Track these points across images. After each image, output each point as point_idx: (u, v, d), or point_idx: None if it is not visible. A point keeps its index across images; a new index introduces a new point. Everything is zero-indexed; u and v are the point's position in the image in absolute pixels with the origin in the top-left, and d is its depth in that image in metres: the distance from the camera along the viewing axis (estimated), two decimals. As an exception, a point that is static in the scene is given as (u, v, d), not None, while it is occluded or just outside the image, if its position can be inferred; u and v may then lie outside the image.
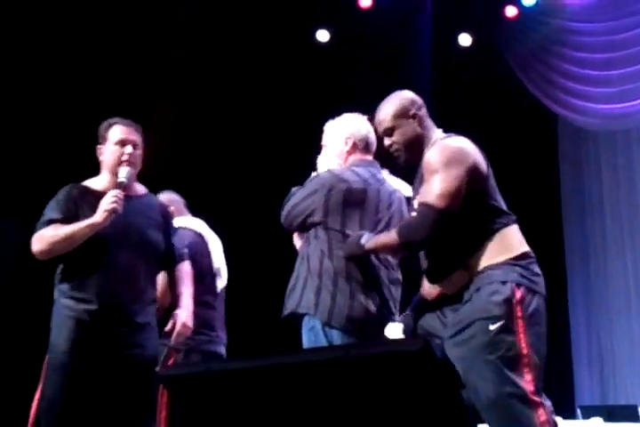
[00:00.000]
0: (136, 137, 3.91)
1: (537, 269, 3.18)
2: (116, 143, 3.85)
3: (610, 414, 5.80)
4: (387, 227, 3.61)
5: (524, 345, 2.97)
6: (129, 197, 3.77)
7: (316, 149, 4.02)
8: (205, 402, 2.05)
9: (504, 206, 3.26)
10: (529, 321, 3.02)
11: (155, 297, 3.89)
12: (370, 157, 3.87)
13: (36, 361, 3.80)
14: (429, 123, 3.37)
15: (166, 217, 4.05)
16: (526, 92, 8.41)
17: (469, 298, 3.09)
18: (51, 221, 3.74)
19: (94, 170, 4.01)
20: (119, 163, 3.82)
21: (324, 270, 3.56)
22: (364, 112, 3.92)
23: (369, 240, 3.35)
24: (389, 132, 3.34)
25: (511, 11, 8.40)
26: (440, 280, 3.23)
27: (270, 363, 1.80)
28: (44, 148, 7.39)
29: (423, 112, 3.37)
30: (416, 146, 3.30)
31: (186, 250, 4.14)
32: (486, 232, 3.14)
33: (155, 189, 4.51)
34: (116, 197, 3.66)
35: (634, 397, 7.91)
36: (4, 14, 7.14)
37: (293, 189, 3.79)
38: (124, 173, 3.80)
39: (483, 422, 3.01)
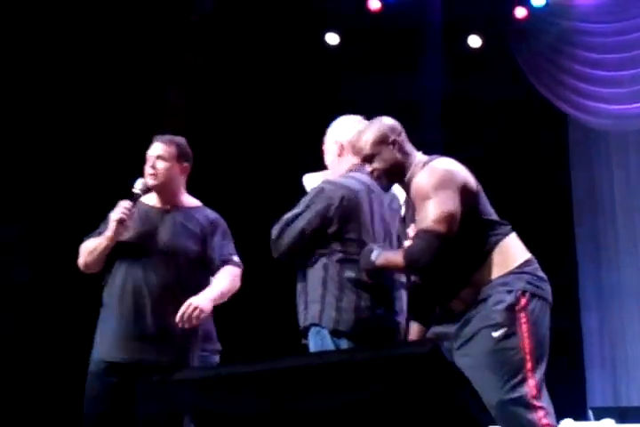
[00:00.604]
0: (160, 150, 4.01)
1: (542, 275, 3.26)
2: (146, 161, 4.03)
3: (622, 415, 5.78)
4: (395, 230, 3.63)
5: (527, 351, 3.05)
6: (168, 209, 3.98)
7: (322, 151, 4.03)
8: (216, 406, 2.06)
9: (497, 218, 3.33)
10: (533, 327, 3.10)
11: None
12: None
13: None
14: (409, 148, 3.42)
15: (207, 229, 4.04)
16: (537, 93, 8.39)
17: (476, 309, 3.16)
18: (89, 236, 3.96)
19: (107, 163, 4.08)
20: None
21: (328, 278, 3.55)
22: (372, 114, 3.92)
23: (379, 257, 3.36)
24: (369, 158, 3.37)
25: (521, 12, 8.36)
26: (449, 301, 3.26)
27: (279, 366, 1.81)
28: (57, 142, 7.41)
29: (402, 138, 3.42)
30: (396, 171, 3.35)
31: (236, 257, 4.08)
32: (486, 247, 3.21)
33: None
34: (123, 207, 3.80)
35: (646, 398, 7.89)
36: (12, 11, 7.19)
37: (287, 216, 3.68)
38: (138, 184, 3.95)
39: (495, 423, 3.06)
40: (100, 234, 3.90)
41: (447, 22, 8.35)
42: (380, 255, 3.35)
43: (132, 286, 3.82)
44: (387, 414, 1.86)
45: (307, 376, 1.84)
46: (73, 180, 7.42)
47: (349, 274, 3.54)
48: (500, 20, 8.48)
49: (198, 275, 3.98)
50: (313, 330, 3.52)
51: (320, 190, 3.68)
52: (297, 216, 3.64)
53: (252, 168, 8.17)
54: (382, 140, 3.36)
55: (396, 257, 3.28)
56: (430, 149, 3.53)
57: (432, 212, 3.13)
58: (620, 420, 5.60)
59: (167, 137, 4.09)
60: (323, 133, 4.05)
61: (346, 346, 3.38)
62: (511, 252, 3.23)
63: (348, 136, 3.77)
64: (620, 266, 8.58)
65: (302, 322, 3.59)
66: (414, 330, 3.49)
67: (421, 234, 3.15)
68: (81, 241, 4.03)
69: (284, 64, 8.24)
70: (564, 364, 8.12)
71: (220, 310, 6.17)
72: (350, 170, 3.79)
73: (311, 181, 3.86)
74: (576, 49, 8.26)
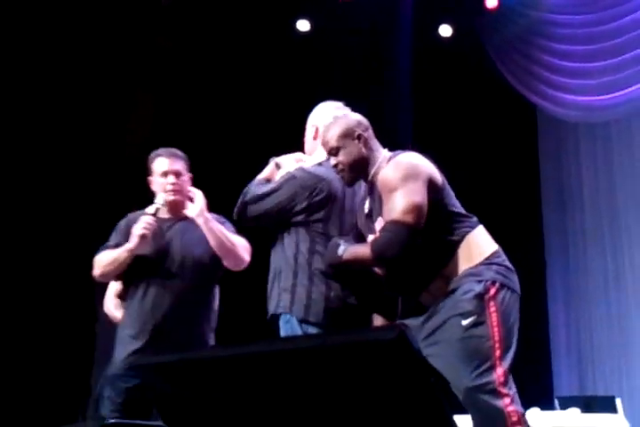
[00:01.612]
0: (179, 166, 4.17)
1: (510, 266, 3.27)
2: (161, 175, 4.14)
3: (588, 404, 5.83)
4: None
5: (497, 339, 3.07)
6: (175, 220, 4.15)
7: (297, 138, 4.00)
8: (181, 392, 2.04)
9: (463, 211, 3.33)
10: (502, 316, 3.11)
11: (207, 310, 4.12)
12: None
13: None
14: (375, 144, 3.43)
15: None
16: (506, 84, 8.42)
17: (444, 300, 3.17)
18: (105, 247, 4.12)
19: (68, 160, 4.06)
20: (165, 192, 4.11)
21: (299, 266, 3.53)
22: (343, 102, 3.90)
23: (346, 251, 3.34)
24: (334, 151, 3.38)
25: (491, 2, 8.39)
26: (419, 293, 3.27)
27: (246, 351, 1.79)
28: (29, 140, 7.35)
29: (369, 133, 3.42)
30: (360, 166, 3.36)
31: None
32: (454, 240, 3.22)
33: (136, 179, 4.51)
34: (146, 222, 3.94)
35: (612, 388, 7.95)
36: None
37: (254, 185, 3.69)
38: (160, 199, 4.07)
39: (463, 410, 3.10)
40: (116, 246, 4.07)
41: (418, 12, 8.36)
42: (347, 250, 3.34)
43: (151, 298, 4.02)
44: (352, 400, 1.84)
45: (277, 362, 1.82)
46: (42, 177, 7.39)
47: (318, 265, 3.52)
48: (470, 9, 8.50)
49: (211, 284, 4.19)
50: (283, 318, 3.52)
51: (292, 177, 3.65)
52: (269, 194, 3.62)
53: (223, 155, 8.13)
54: (348, 134, 3.36)
55: (363, 250, 3.26)
56: (401, 137, 3.53)
57: (399, 203, 3.14)
58: (586, 409, 5.65)
59: (173, 151, 4.25)
60: (293, 119, 4.02)
61: (314, 332, 3.42)
62: (479, 244, 3.24)
63: (325, 120, 3.76)
64: (587, 257, 8.65)
65: (273, 309, 3.59)
66: (378, 322, 3.51)
67: (389, 226, 3.16)
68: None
69: (255, 50, 8.21)
70: (531, 353, 8.18)
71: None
72: (328, 158, 3.76)
73: (284, 163, 3.83)
74: (546, 40, 8.30)
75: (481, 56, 8.43)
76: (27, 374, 6.84)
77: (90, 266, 4.22)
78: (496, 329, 3.07)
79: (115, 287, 4.47)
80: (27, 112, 7.33)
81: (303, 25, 8.54)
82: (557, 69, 8.21)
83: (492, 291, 3.12)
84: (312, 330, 3.44)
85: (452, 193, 3.35)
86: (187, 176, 4.21)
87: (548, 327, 8.65)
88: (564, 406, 5.70)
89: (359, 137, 3.36)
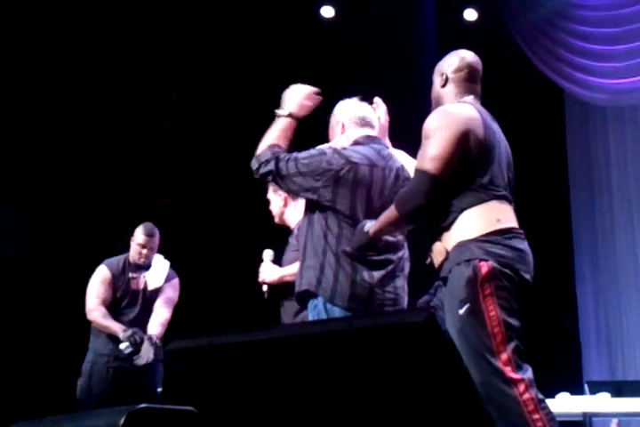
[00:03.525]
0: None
1: (515, 244, 3.10)
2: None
3: (617, 389, 5.79)
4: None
5: (495, 323, 2.94)
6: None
7: (319, 125, 4.00)
8: (210, 376, 2.05)
9: (494, 181, 3.15)
10: (499, 297, 2.97)
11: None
12: (371, 132, 3.80)
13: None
14: (458, 88, 3.38)
15: None
16: (532, 68, 8.35)
17: (445, 279, 3.09)
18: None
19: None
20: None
21: (327, 247, 3.53)
22: (368, 88, 3.91)
23: (372, 226, 3.31)
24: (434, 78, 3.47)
25: (517, -15, 8.33)
26: (429, 250, 3.22)
27: (274, 336, 1.80)
28: (49, 130, 7.40)
29: (457, 76, 3.39)
30: (435, 103, 3.40)
31: None
32: (464, 206, 3.10)
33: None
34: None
35: (642, 372, 7.92)
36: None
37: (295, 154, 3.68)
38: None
39: None
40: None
41: (443, -4, 8.32)
42: (373, 224, 3.30)
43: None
44: (380, 383, 1.84)
45: (306, 345, 1.82)
46: (66, 166, 7.44)
47: (345, 247, 3.52)
48: (496, -7, 8.44)
49: None
50: (310, 305, 3.54)
51: (322, 152, 3.65)
52: (298, 160, 3.62)
53: (244, 144, 8.14)
54: (438, 70, 3.45)
55: (388, 212, 3.21)
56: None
57: (428, 151, 3.10)
58: (616, 394, 5.61)
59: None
60: (318, 107, 4.02)
61: (340, 315, 3.41)
62: (485, 218, 3.08)
63: (348, 114, 3.77)
64: (616, 242, 8.58)
65: (297, 287, 3.60)
66: None
67: (415, 174, 3.16)
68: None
69: (279, 37, 8.20)
70: (561, 338, 8.16)
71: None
72: (356, 142, 3.75)
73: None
74: (572, 23, 8.23)
75: (507, 40, 8.36)
76: (29, 367, 6.90)
77: (93, 263, 4.45)
78: (492, 313, 2.94)
79: (98, 296, 5.39)
80: (52, 100, 7.38)
81: (327, 11, 8.51)
82: (584, 52, 8.14)
83: (484, 271, 2.97)
84: (338, 311, 3.45)
85: (492, 160, 3.17)
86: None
87: (577, 312, 8.60)
88: (593, 391, 5.66)
89: (442, 75, 3.41)
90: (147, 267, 5.52)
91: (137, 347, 5.16)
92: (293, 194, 3.99)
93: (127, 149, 7.72)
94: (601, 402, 5.38)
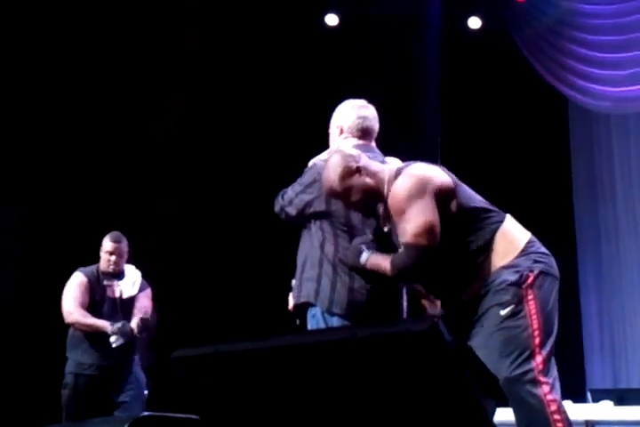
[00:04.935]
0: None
1: (545, 250, 3.27)
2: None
3: (620, 397, 5.77)
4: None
5: (535, 327, 3.08)
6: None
7: (325, 133, 4.00)
8: (213, 384, 2.06)
9: (486, 204, 3.31)
10: (541, 303, 3.12)
11: None
12: (366, 142, 3.74)
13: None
14: (375, 165, 3.37)
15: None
16: (536, 76, 8.36)
17: (484, 293, 3.18)
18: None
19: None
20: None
21: (324, 257, 3.54)
22: (372, 95, 3.90)
23: (368, 259, 3.35)
24: (345, 195, 3.33)
25: (521, -7, 8.34)
26: (459, 296, 3.27)
27: (276, 344, 1.81)
28: (53, 137, 7.43)
29: (364, 160, 3.35)
30: (374, 195, 3.32)
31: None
32: (485, 238, 3.21)
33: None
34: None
35: (645, 380, 7.91)
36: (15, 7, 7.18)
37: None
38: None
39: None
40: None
41: (447, 4, 8.32)
42: (370, 259, 3.35)
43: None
44: (383, 392, 1.85)
45: (308, 354, 1.83)
46: (70, 167, 7.46)
47: (341, 256, 3.53)
48: (499, 1, 8.45)
49: None
50: (309, 312, 3.54)
51: (313, 166, 3.69)
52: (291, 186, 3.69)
53: (249, 149, 8.17)
54: (347, 173, 3.30)
55: (384, 264, 3.27)
56: (429, 130, 3.51)
57: (409, 226, 3.13)
58: (619, 402, 5.60)
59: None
60: (322, 114, 4.02)
61: (338, 324, 3.44)
62: (511, 238, 3.23)
63: (348, 119, 3.76)
64: (620, 250, 8.58)
65: (296, 299, 3.61)
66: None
67: (405, 247, 3.19)
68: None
69: (283, 45, 8.22)
70: (563, 346, 8.13)
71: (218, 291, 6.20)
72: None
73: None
74: (576, 31, 8.23)
75: (510, 48, 8.37)
76: (32, 372, 6.90)
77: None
78: (534, 317, 3.08)
79: (76, 299, 5.42)
80: (57, 107, 7.41)
81: (332, 19, 8.52)
82: (588, 60, 8.14)
83: (530, 279, 3.12)
84: (336, 321, 3.46)
85: (468, 190, 3.32)
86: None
87: (580, 320, 8.59)
88: (596, 399, 5.65)
89: (358, 170, 3.30)
90: (118, 275, 5.54)
91: (127, 337, 5.24)
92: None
93: (131, 156, 7.74)
94: (604, 410, 5.36)
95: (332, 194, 3.38)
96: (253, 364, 1.88)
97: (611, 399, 5.52)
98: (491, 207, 3.31)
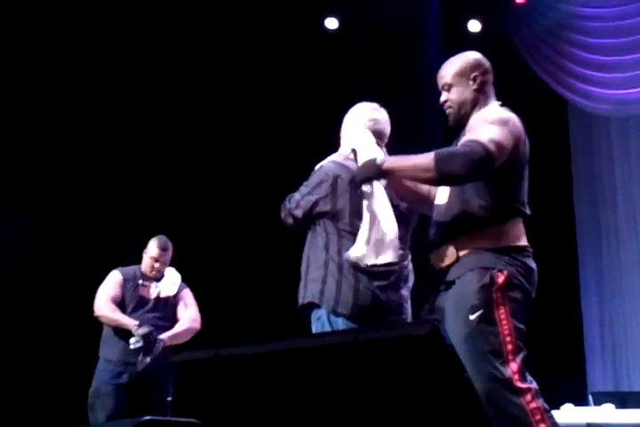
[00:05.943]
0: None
1: (530, 263, 3.07)
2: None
3: (622, 400, 5.76)
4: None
5: (507, 333, 2.89)
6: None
7: (325, 136, 4.01)
8: (216, 387, 2.05)
9: (524, 198, 3.16)
10: (511, 307, 2.93)
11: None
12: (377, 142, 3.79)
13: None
14: (489, 90, 3.33)
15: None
16: (536, 79, 8.36)
17: (453, 284, 3.03)
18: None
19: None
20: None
21: (329, 258, 3.54)
22: (371, 99, 3.90)
23: (386, 160, 3.11)
24: (447, 88, 3.29)
25: (520, -4, 8.35)
26: (431, 251, 3.15)
27: (279, 348, 1.80)
28: (53, 139, 7.43)
29: (487, 78, 3.32)
30: (467, 107, 3.26)
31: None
32: (493, 216, 3.06)
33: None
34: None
35: (647, 383, 7.90)
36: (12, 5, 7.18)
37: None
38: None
39: None
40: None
41: (446, 7, 8.33)
42: (388, 159, 3.12)
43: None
44: (385, 395, 1.85)
45: (310, 357, 1.82)
46: (70, 170, 7.47)
47: (334, 251, 3.53)
48: (499, 4, 8.46)
49: None
50: (314, 314, 3.54)
51: (320, 167, 3.70)
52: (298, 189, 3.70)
53: (249, 153, 8.17)
54: (463, 73, 3.26)
55: (419, 158, 3.02)
56: (429, 132, 3.51)
57: (491, 132, 2.99)
58: (621, 405, 5.58)
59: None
60: (322, 117, 4.03)
61: (343, 326, 3.43)
62: (506, 232, 3.05)
63: (360, 122, 3.75)
64: (620, 252, 8.57)
65: (301, 299, 3.61)
66: None
67: (468, 142, 2.99)
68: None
69: (283, 48, 8.23)
70: (565, 349, 8.14)
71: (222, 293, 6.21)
72: None
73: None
74: (575, 34, 8.23)
75: (510, 51, 8.38)
76: (39, 374, 6.90)
77: (98, 272, 4.50)
78: (505, 322, 2.89)
79: (108, 294, 5.36)
80: (56, 109, 7.41)
81: (331, 23, 8.53)
82: (587, 63, 8.14)
83: (500, 281, 2.92)
84: (340, 323, 3.46)
85: (526, 177, 3.18)
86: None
87: (581, 323, 8.58)
88: (598, 402, 5.64)
89: (474, 78, 3.26)
90: (158, 279, 5.55)
91: (147, 344, 5.09)
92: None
93: (131, 158, 7.75)
94: (605, 413, 5.35)
95: (439, 79, 3.31)
96: (255, 367, 1.88)
97: (612, 402, 5.51)
98: (521, 202, 3.14)
